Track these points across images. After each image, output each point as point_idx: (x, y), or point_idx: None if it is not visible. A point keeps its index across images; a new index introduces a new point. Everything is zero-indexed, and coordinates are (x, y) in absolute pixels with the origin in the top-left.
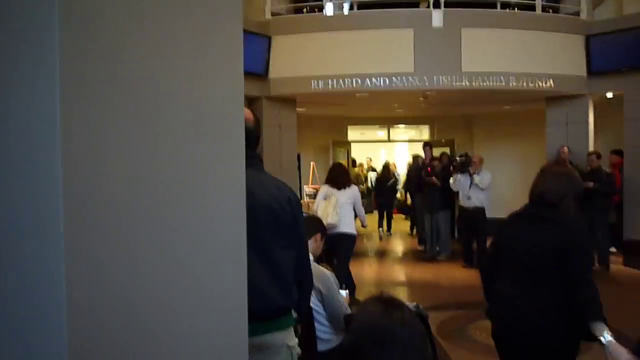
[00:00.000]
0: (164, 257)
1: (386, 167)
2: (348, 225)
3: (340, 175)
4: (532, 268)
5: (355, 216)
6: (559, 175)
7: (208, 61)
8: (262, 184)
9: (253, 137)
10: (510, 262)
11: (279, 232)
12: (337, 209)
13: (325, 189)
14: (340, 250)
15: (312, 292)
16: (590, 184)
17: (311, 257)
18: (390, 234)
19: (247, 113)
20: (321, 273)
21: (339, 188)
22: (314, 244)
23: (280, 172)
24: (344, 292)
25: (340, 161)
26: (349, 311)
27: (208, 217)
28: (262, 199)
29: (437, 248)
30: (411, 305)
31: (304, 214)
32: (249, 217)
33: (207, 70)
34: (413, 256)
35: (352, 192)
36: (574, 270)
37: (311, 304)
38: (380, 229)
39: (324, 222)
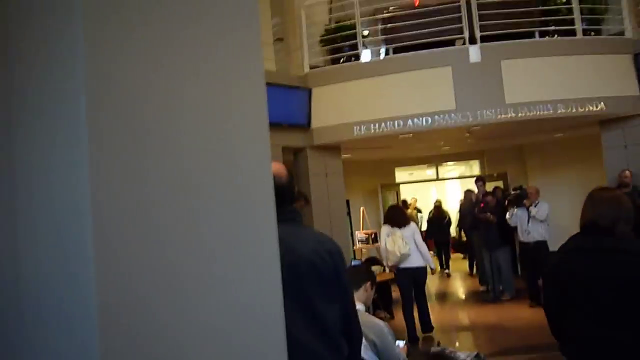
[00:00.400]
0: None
1: (438, 205)
2: (417, 259)
3: (398, 215)
4: (609, 305)
5: None
6: (609, 200)
7: (233, 111)
8: (302, 239)
9: (287, 192)
10: (582, 301)
11: (322, 286)
12: (405, 239)
13: (386, 228)
14: (419, 284)
15: (366, 345)
16: None
17: (362, 307)
18: (449, 275)
19: (279, 168)
20: (373, 324)
21: (399, 227)
22: (365, 293)
23: (330, 220)
24: (401, 343)
25: (391, 203)
26: None
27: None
28: (303, 254)
29: (500, 287)
30: (472, 355)
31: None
32: (291, 274)
33: (231, 121)
34: (475, 297)
35: (412, 229)
36: None
37: (365, 357)
38: (446, 270)
39: (396, 255)
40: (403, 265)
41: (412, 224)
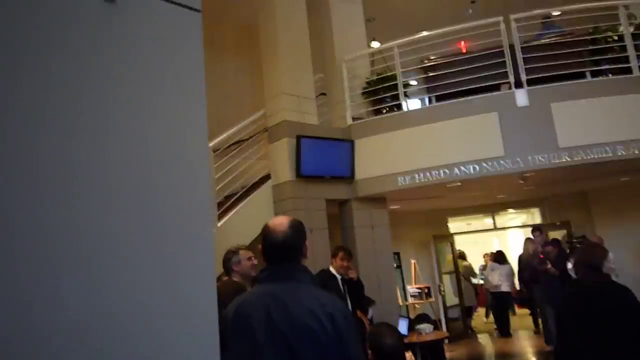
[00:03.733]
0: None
1: (501, 255)
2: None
3: (500, 257)
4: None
5: None
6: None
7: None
8: (299, 300)
9: (288, 249)
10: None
11: (320, 353)
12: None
13: (491, 264)
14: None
15: None
16: None
17: None
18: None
19: (278, 224)
20: None
21: (500, 263)
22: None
23: (377, 273)
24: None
25: (446, 255)
26: None
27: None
28: (297, 317)
29: None
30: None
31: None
32: (280, 337)
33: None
34: (542, 358)
35: (508, 267)
36: None
37: None
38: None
39: (493, 285)
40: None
41: (508, 264)
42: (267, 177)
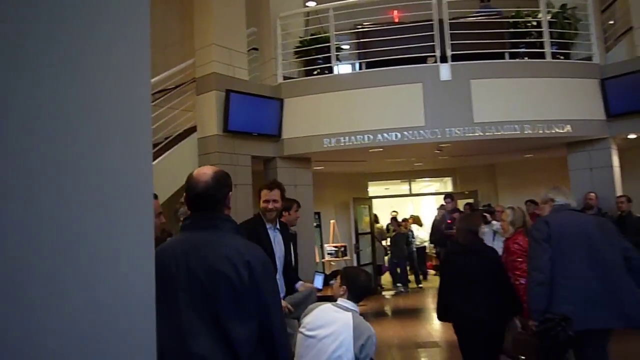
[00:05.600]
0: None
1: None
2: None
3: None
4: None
5: None
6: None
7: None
8: (217, 248)
9: (209, 198)
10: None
11: (235, 301)
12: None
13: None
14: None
15: (351, 346)
16: None
17: (357, 309)
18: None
19: (201, 173)
20: (367, 327)
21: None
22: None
23: (297, 231)
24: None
25: (364, 217)
26: None
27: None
28: (213, 264)
29: None
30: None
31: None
32: (196, 283)
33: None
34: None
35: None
36: None
37: (347, 353)
38: (399, 285)
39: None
40: None
41: None
42: (192, 129)
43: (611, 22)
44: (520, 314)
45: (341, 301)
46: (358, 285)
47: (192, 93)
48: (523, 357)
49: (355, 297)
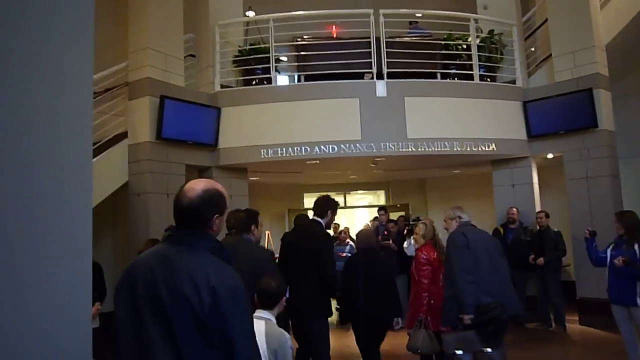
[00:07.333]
0: None
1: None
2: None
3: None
4: None
5: None
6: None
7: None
8: (183, 268)
9: (194, 217)
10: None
11: (197, 327)
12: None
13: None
14: None
15: (267, 355)
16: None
17: (273, 318)
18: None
19: (189, 189)
20: (279, 334)
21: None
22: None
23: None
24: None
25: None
26: None
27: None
28: (174, 286)
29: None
30: None
31: None
32: (157, 304)
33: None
34: None
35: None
36: None
37: None
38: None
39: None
40: None
41: None
42: (123, 135)
43: (532, 49)
44: (399, 315)
45: (258, 312)
46: (268, 294)
47: (123, 97)
48: None
49: (267, 306)
